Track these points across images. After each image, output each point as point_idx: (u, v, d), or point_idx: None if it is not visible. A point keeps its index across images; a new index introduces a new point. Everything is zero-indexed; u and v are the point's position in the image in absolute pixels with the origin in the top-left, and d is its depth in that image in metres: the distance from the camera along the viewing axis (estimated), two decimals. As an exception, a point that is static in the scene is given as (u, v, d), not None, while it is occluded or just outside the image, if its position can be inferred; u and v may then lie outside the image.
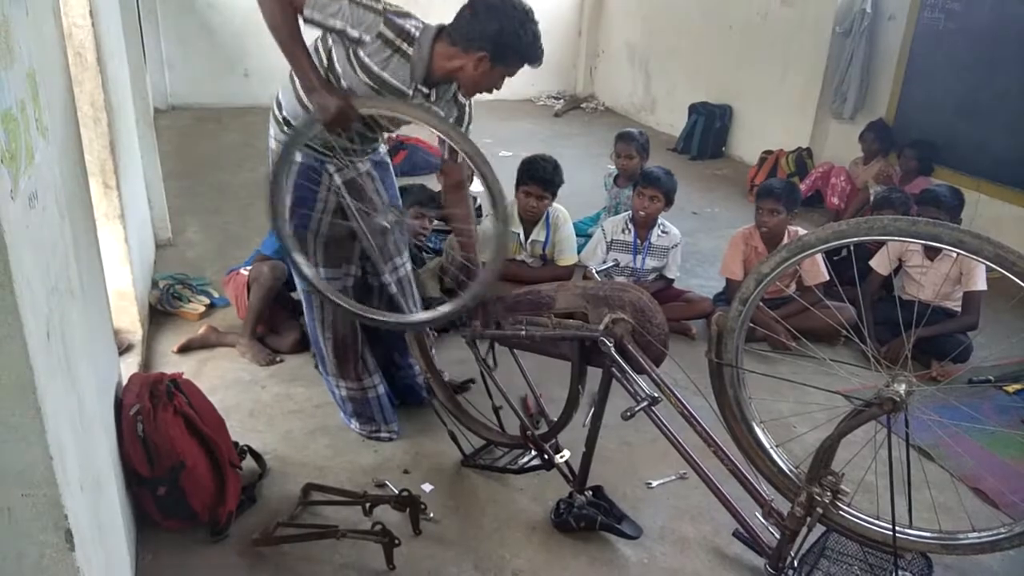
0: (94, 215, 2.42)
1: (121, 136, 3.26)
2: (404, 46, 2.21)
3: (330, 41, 2.26)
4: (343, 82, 2.26)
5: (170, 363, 3.16)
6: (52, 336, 1.30)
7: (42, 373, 1.18)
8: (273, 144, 2.49)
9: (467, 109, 2.48)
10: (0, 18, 1.14)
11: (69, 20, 2.70)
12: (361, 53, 2.20)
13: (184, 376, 2.38)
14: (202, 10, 7.72)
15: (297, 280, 2.68)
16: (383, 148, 2.67)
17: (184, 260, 4.18)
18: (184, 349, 3.24)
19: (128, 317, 3.13)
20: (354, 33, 2.16)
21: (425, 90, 2.30)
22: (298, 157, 2.42)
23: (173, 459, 2.14)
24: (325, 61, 2.27)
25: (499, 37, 2.16)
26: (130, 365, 2.89)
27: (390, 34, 2.18)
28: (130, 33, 3.93)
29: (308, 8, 2.12)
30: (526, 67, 2.27)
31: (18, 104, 1.20)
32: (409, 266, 2.77)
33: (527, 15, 2.18)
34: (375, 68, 2.22)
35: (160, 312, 3.52)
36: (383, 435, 2.76)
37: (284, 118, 2.43)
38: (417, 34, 2.21)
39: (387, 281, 2.64)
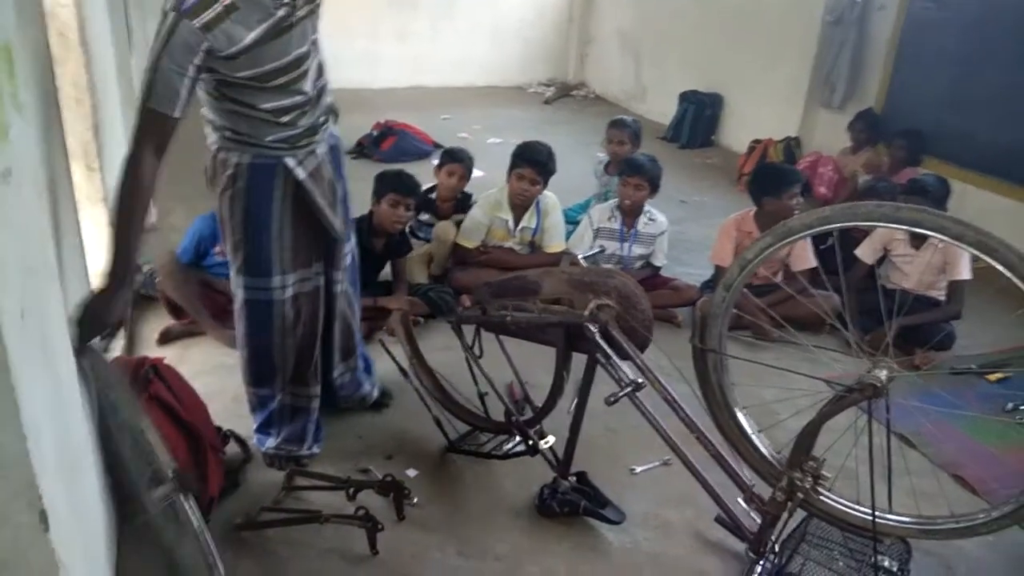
0: (75, 197, 2.40)
1: (105, 118, 3.23)
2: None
3: (208, 91, 2.07)
4: (244, 76, 2.01)
5: (155, 348, 3.13)
6: (27, 317, 1.28)
7: (16, 353, 1.16)
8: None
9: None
10: (-29, -8, 1.12)
11: (52, -1, 2.67)
12: (223, 56, 1.94)
13: (166, 361, 2.36)
14: (189, -7, 7.63)
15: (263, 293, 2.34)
16: (334, 128, 2.39)
17: (168, 245, 4.12)
18: (164, 338, 3.20)
19: (111, 301, 3.09)
20: (198, 60, 1.90)
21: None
22: (247, 158, 2.18)
23: (153, 444, 2.12)
24: (219, 105, 2.09)
25: None
26: (113, 349, 2.87)
27: (208, 15, 1.88)
28: (115, 15, 3.88)
29: (172, 110, 1.91)
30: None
31: (-9, 80, 1.18)
32: (344, 286, 2.54)
33: None
34: (235, 48, 1.94)
35: (144, 297, 3.49)
36: (304, 453, 2.51)
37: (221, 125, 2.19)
38: None
39: (338, 280, 2.46)
